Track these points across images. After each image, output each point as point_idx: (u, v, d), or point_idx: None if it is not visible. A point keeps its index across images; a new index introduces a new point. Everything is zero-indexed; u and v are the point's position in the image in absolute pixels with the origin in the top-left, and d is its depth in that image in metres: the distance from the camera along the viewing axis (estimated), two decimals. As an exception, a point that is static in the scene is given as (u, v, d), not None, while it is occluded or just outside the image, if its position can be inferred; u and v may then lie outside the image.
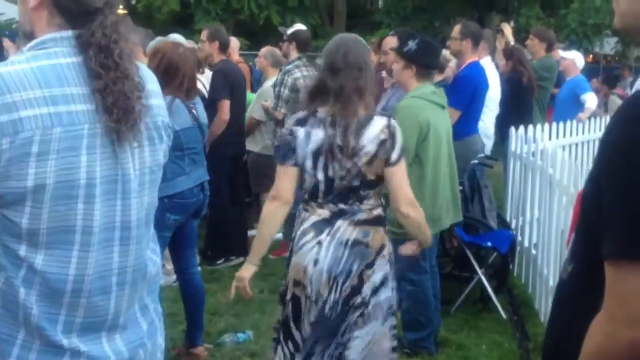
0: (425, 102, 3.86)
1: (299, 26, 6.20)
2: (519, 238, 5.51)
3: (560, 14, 15.30)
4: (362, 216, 2.87)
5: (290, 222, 5.89)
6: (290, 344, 3.00)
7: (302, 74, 5.59)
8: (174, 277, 4.30)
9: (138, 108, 1.58)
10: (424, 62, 3.91)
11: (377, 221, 2.91)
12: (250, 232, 6.36)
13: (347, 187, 2.83)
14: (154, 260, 1.77)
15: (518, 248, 5.45)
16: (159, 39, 5.35)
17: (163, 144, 1.73)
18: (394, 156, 2.85)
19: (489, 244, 4.80)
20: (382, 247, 2.91)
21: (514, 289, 5.29)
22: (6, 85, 1.45)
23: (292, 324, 2.97)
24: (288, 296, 2.96)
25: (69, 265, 1.55)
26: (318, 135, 2.79)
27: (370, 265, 2.87)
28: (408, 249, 3.36)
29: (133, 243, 1.65)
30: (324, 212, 2.86)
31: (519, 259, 5.50)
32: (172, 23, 16.02)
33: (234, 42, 7.51)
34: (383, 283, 2.92)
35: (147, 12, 16.11)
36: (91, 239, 1.56)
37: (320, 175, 2.81)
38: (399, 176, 2.88)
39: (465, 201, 4.95)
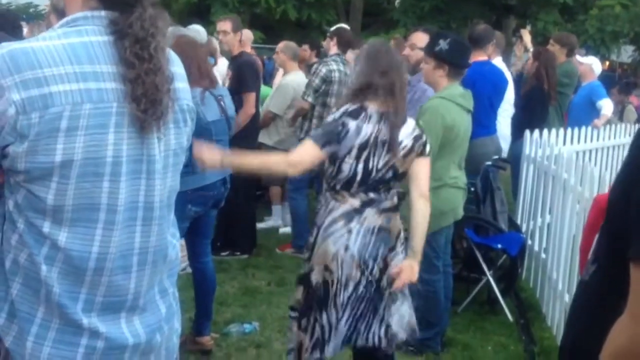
0: (452, 104, 3.85)
1: (343, 25, 6.27)
2: (529, 242, 5.49)
3: (579, 20, 15.19)
4: (387, 204, 3.05)
5: (296, 217, 5.95)
6: (317, 328, 3.09)
7: (339, 68, 5.59)
8: (184, 264, 4.31)
9: (166, 101, 1.59)
10: (456, 61, 3.89)
11: (396, 208, 3.11)
12: (259, 225, 6.39)
13: (380, 179, 3.02)
14: (174, 244, 1.77)
15: (528, 252, 5.43)
16: (175, 28, 5.36)
17: (187, 128, 1.74)
18: (427, 148, 3.11)
19: (499, 246, 4.79)
20: (399, 232, 3.10)
21: (522, 292, 5.27)
22: (37, 60, 1.46)
23: (318, 307, 3.07)
24: (316, 280, 3.05)
25: (92, 243, 1.55)
26: (367, 129, 2.96)
27: (392, 249, 3.07)
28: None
29: (155, 224, 1.66)
30: (355, 202, 3.02)
31: (528, 262, 5.49)
32: (189, 14, 16.02)
33: (247, 35, 7.49)
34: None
35: (165, 2, 16.14)
36: (115, 217, 1.56)
37: (360, 167, 2.98)
38: (427, 167, 3.14)
39: (477, 202, 4.94)
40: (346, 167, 2.98)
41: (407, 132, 3.04)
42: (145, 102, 1.54)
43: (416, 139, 3.06)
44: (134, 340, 1.65)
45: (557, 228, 4.78)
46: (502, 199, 5.04)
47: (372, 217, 3.01)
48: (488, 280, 4.75)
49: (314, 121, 5.61)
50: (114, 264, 1.59)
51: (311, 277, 3.08)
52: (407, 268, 3.02)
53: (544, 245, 5.26)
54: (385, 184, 3.04)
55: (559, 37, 7.27)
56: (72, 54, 1.49)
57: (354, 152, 2.95)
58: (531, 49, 6.94)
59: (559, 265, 4.60)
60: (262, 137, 6.25)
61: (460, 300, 4.76)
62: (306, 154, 2.99)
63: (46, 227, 1.52)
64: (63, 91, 1.46)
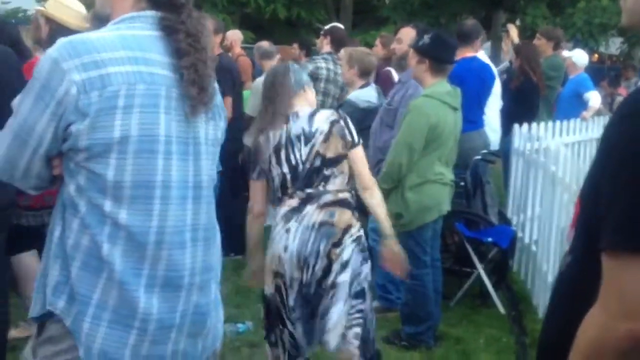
0: (438, 102, 3.88)
1: (337, 24, 6.27)
2: (520, 234, 5.52)
3: (567, 13, 15.25)
4: (328, 198, 3.03)
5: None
6: (285, 338, 3.10)
7: (327, 66, 5.58)
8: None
9: (211, 89, 1.74)
10: (437, 56, 3.92)
11: (343, 203, 3.06)
12: (250, 224, 6.39)
13: (310, 169, 3.03)
14: (218, 228, 1.86)
15: (518, 244, 5.46)
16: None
17: (222, 122, 1.87)
18: (354, 137, 3.09)
19: (490, 239, 4.81)
20: (349, 227, 3.04)
21: (513, 284, 5.30)
22: (94, 47, 1.59)
23: (279, 317, 3.10)
24: (269, 291, 3.10)
25: (151, 218, 1.65)
26: (276, 133, 3.05)
27: (337, 244, 3.00)
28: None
29: (204, 202, 1.77)
30: (293, 202, 3.03)
31: (519, 255, 5.52)
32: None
33: (236, 35, 7.49)
34: (348, 262, 3.02)
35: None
36: (170, 192, 1.67)
37: (285, 167, 3.03)
38: (359, 159, 3.13)
39: (467, 196, 4.97)
40: (275, 173, 3.06)
41: (321, 119, 3.06)
42: (197, 88, 1.68)
43: (333, 123, 3.06)
44: (180, 320, 1.72)
45: (547, 220, 4.82)
46: (491, 193, 5.07)
47: (312, 213, 3.00)
48: (479, 274, 4.78)
49: None
50: (172, 238, 1.68)
51: (265, 291, 3.13)
52: (387, 253, 3.20)
53: (534, 237, 5.30)
54: (319, 174, 3.03)
55: (545, 30, 7.32)
56: (124, 42, 1.63)
57: (273, 158, 3.05)
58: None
59: (549, 257, 4.64)
60: (245, 139, 6.30)
61: (452, 294, 4.79)
62: (253, 194, 3.21)
63: (107, 206, 1.61)
64: (119, 72, 1.59)
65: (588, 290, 1.30)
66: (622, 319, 1.21)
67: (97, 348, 1.63)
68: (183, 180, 1.70)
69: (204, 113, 1.74)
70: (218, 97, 1.84)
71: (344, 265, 3.01)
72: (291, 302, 3.04)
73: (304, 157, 3.03)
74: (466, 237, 4.82)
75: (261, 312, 4.51)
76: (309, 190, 3.03)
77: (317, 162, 3.03)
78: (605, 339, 1.23)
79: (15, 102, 1.65)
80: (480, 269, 4.77)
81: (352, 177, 3.13)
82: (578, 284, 1.40)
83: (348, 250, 3.02)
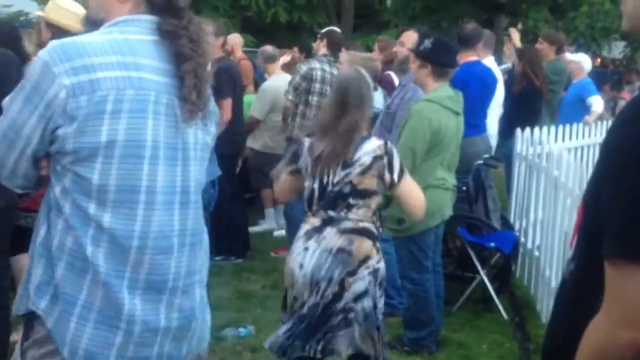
0: (439, 107, 3.87)
1: (333, 27, 6.31)
2: (522, 239, 5.50)
3: (569, 17, 15.23)
4: (348, 225, 3.01)
5: (290, 220, 5.95)
6: None
7: (322, 67, 5.57)
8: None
9: (207, 94, 1.76)
10: (439, 60, 3.91)
11: (363, 232, 3.03)
12: (252, 229, 6.38)
13: (337, 194, 3.01)
14: (206, 231, 1.87)
15: (521, 249, 5.44)
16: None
17: (213, 128, 1.86)
18: (395, 176, 3.05)
19: (492, 244, 4.80)
20: (366, 258, 3.01)
21: (516, 289, 5.29)
22: (85, 50, 1.60)
23: None
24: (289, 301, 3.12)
25: (134, 222, 1.65)
26: (320, 145, 3.02)
27: (352, 274, 2.98)
28: None
29: (192, 208, 1.77)
30: (316, 221, 3.04)
31: (521, 260, 5.50)
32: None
33: (237, 39, 7.50)
34: (365, 293, 3.00)
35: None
36: (155, 198, 1.67)
37: (316, 183, 3.03)
38: (406, 191, 3.12)
39: (469, 201, 4.95)
40: (306, 184, 3.07)
41: (367, 150, 3.03)
42: (195, 92, 1.70)
43: (376, 158, 3.02)
44: (166, 323, 1.72)
45: (549, 225, 4.80)
46: (494, 198, 5.06)
47: (331, 237, 2.98)
48: (482, 279, 4.76)
49: (297, 120, 5.57)
50: (156, 242, 1.68)
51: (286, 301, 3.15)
52: None
53: (537, 242, 5.28)
54: (344, 200, 3.01)
55: (547, 34, 7.31)
56: (115, 47, 1.64)
57: (310, 167, 3.04)
58: (520, 47, 6.97)
59: (552, 262, 4.62)
60: (250, 142, 6.31)
61: (454, 299, 4.77)
62: (278, 182, 3.24)
63: (92, 209, 1.62)
64: (108, 77, 1.60)
65: (591, 296, 1.30)
66: (625, 328, 1.21)
67: (83, 348, 1.64)
68: (170, 186, 1.70)
69: (202, 120, 1.75)
70: (212, 103, 1.84)
71: (359, 296, 2.98)
72: (287, 316, 3.08)
73: (336, 180, 3.01)
74: (468, 242, 4.80)
75: (262, 316, 4.55)
76: (331, 213, 3.02)
77: (346, 189, 3.01)
78: (608, 347, 1.23)
79: (5, 101, 1.66)
80: (483, 274, 4.75)
81: (376, 212, 3.10)
82: (581, 290, 1.40)
83: (363, 282, 2.99)
